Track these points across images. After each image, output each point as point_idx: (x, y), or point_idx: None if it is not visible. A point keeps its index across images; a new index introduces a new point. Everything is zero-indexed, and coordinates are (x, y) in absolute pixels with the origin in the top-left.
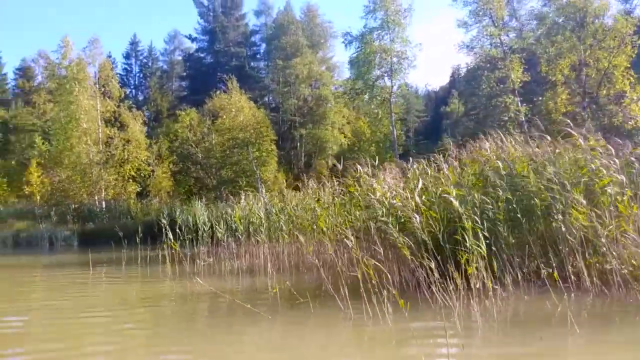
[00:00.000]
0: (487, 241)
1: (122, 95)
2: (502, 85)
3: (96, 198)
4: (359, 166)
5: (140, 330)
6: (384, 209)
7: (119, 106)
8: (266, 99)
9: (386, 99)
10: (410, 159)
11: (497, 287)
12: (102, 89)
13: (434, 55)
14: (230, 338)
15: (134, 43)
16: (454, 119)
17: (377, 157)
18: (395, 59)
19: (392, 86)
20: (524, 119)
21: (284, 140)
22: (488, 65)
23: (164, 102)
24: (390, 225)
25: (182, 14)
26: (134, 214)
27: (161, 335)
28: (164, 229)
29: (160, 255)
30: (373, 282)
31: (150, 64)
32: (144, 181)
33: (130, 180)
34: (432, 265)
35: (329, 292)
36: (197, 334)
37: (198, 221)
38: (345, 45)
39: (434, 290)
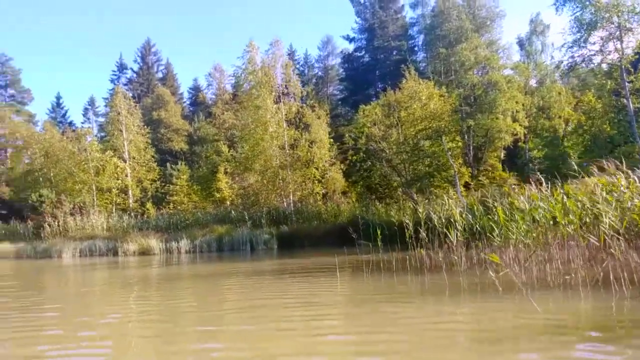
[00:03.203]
0: None
1: (305, 94)
2: None
3: (284, 201)
4: None
5: None
6: None
7: (302, 106)
8: None
9: (615, 65)
10: None
11: None
12: (286, 90)
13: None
14: None
15: (290, 53)
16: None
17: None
18: (626, 16)
19: (622, 49)
20: None
21: None
22: None
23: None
24: None
25: (335, 16)
26: (324, 216)
27: None
28: (407, 230)
29: (408, 261)
30: None
31: (306, 71)
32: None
33: (316, 181)
34: None
35: None
36: None
37: (453, 220)
38: (556, 9)
39: None
